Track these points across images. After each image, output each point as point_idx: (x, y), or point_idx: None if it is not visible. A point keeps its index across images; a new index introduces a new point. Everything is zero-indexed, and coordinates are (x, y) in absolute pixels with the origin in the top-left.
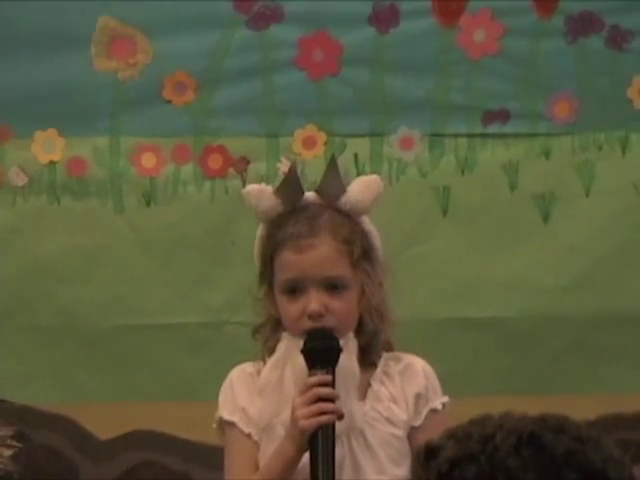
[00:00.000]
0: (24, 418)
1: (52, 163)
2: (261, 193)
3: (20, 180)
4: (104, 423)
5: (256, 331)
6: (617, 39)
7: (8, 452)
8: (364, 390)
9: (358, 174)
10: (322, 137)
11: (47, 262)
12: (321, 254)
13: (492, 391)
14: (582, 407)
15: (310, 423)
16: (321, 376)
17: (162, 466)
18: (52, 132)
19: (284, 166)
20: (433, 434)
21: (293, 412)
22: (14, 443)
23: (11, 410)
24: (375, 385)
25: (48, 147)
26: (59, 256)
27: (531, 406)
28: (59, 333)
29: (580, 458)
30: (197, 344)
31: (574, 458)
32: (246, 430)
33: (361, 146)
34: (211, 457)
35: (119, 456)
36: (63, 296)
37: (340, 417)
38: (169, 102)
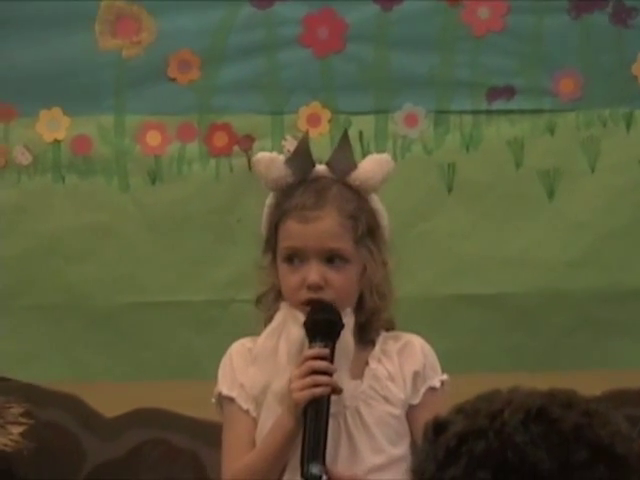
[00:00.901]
0: (30, 396)
1: (57, 142)
2: (272, 162)
3: (25, 159)
4: (110, 401)
5: (259, 300)
6: (621, 15)
7: (19, 429)
8: (362, 369)
9: (363, 151)
10: (327, 114)
11: (52, 241)
12: (324, 226)
13: (498, 368)
14: (588, 383)
15: (303, 395)
16: (319, 349)
17: (168, 444)
18: (57, 111)
19: (289, 144)
20: (432, 412)
21: (289, 384)
22: (24, 420)
23: (17, 388)
24: (373, 364)
25: (53, 126)
26: (64, 235)
27: (537, 382)
28: (65, 311)
29: (588, 433)
30: (203, 322)
31: (582, 433)
32: (245, 406)
33: (366, 123)
34: (218, 435)
35: (125, 434)
36: (68, 274)
37: (337, 391)
38: (174, 80)
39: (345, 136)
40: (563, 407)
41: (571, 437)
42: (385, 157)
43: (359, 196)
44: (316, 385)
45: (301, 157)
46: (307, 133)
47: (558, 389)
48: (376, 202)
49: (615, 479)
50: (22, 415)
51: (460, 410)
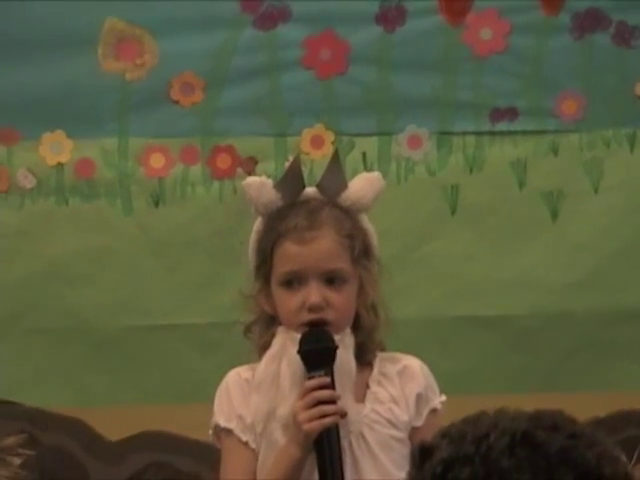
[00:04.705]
0: (34, 420)
1: (60, 165)
2: (262, 186)
3: (28, 182)
4: (114, 425)
5: (247, 330)
6: (624, 36)
7: (18, 461)
8: (363, 392)
9: None
10: (330, 136)
11: (56, 264)
12: (323, 247)
13: (501, 389)
14: (592, 405)
15: (313, 427)
16: (320, 378)
17: (172, 467)
18: (60, 134)
19: None
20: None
21: (295, 417)
22: (24, 451)
23: (21, 412)
24: (373, 387)
25: (56, 149)
26: (68, 258)
27: (540, 404)
28: (68, 335)
29: (574, 456)
30: (206, 345)
31: (568, 456)
32: (244, 438)
33: (369, 145)
34: (221, 459)
35: (129, 458)
36: (72, 298)
37: (343, 415)
38: (177, 103)
39: (335, 156)
40: (549, 430)
41: (557, 460)
42: (375, 175)
43: (351, 216)
44: (324, 415)
45: (291, 179)
46: (299, 155)
47: (544, 410)
48: (366, 221)
49: None
50: (22, 446)
51: (445, 435)
